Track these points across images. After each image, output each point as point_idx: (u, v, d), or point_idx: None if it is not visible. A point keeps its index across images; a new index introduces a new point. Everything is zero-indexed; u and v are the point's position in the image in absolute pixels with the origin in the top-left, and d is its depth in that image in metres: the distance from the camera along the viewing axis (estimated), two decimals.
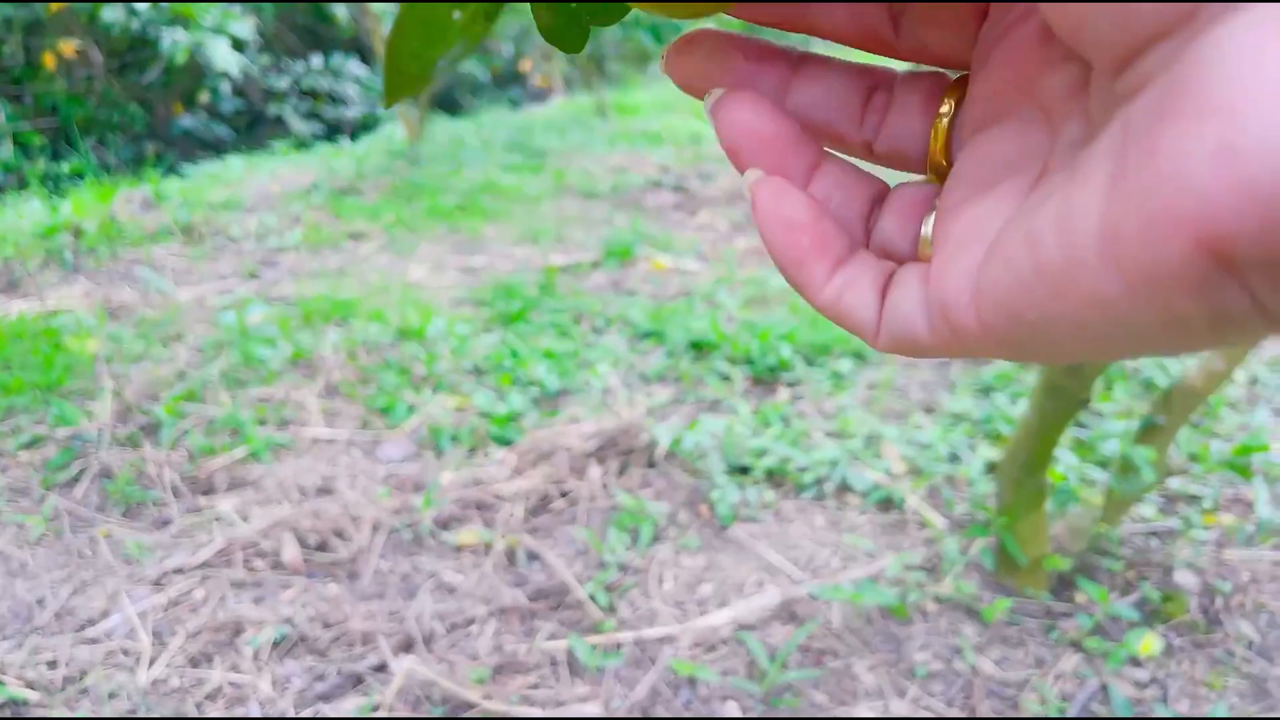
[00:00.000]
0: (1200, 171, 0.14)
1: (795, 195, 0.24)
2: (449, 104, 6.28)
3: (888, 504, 1.45)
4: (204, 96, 5.34)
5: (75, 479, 1.42)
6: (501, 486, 1.42)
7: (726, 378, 1.86)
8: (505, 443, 1.57)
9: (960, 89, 0.25)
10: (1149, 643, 1.18)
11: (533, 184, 3.53)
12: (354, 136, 5.72)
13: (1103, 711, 1.06)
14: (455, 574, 1.25)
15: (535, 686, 1.07)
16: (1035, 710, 1.07)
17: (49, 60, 4.59)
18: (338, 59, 5.98)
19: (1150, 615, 1.23)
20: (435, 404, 1.67)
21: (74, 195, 2.85)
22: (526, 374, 1.81)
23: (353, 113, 5.92)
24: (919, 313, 0.22)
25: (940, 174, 0.25)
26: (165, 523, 1.34)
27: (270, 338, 1.89)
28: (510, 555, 1.29)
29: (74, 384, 1.67)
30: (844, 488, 1.48)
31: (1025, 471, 1.23)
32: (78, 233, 2.49)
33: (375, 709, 1.03)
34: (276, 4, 5.81)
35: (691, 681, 1.09)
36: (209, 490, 1.41)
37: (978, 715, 1.07)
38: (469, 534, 1.32)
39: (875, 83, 0.26)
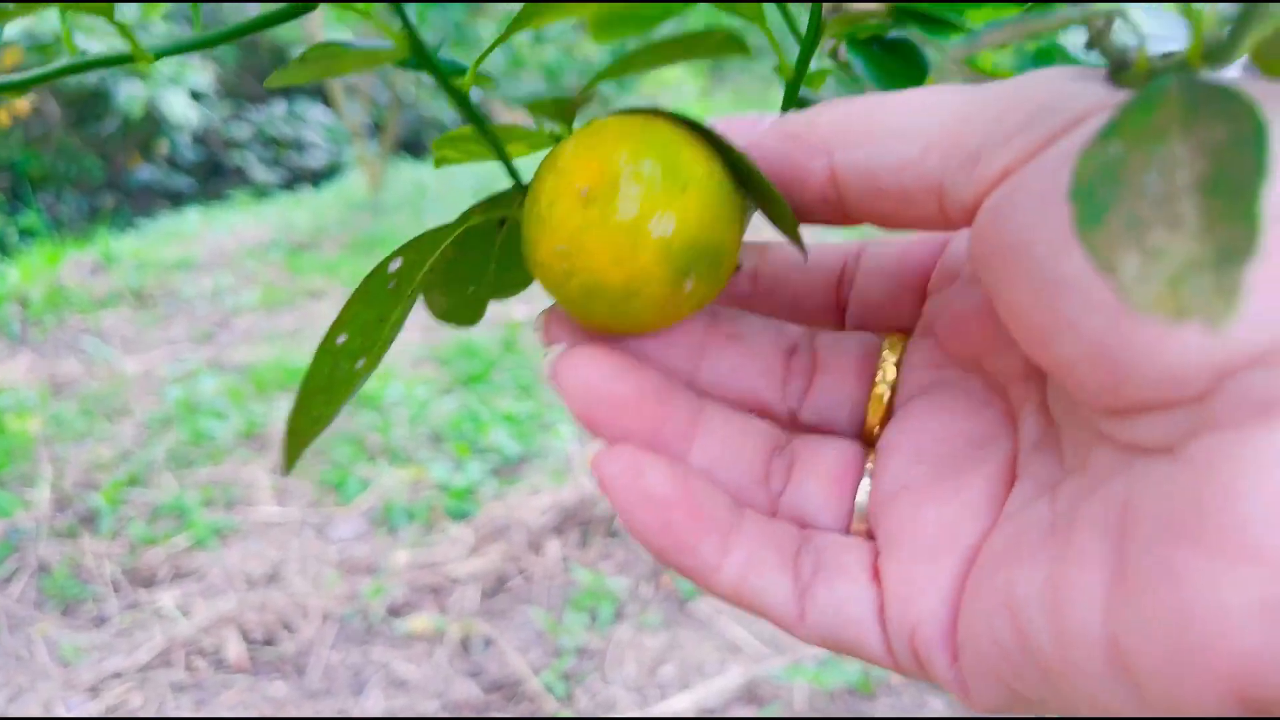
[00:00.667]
0: (1243, 626, 0.13)
1: (655, 463, 0.20)
2: (414, 147, 6.26)
3: None
4: (163, 147, 5.29)
5: (11, 576, 1.37)
6: (456, 567, 1.38)
7: None
8: (462, 516, 1.53)
9: (897, 352, 0.22)
10: None
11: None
12: (316, 183, 5.68)
13: None
14: (406, 664, 1.21)
15: None
16: None
17: (3, 117, 4.54)
18: (301, 104, 5.96)
19: None
20: (390, 477, 1.63)
21: (22, 261, 2.80)
22: (486, 440, 1.77)
23: (316, 160, 5.89)
24: (870, 622, 0.19)
25: (873, 442, 0.22)
26: (104, 620, 1.29)
27: (220, 411, 1.85)
28: (464, 643, 1.25)
29: (13, 469, 1.62)
30: None
31: None
32: (24, 302, 2.44)
33: None
34: (239, 51, 5.79)
35: None
36: (150, 583, 1.37)
37: None
38: (421, 621, 1.28)
39: (793, 341, 0.23)
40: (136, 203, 5.27)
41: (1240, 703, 0.13)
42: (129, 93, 4.30)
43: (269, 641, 1.25)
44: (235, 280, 2.81)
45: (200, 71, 4.90)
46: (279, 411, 1.85)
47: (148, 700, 1.14)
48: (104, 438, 1.76)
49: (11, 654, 1.24)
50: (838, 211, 0.19)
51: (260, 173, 5.70)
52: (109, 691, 1.16)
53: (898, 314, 0.23)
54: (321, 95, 6.44)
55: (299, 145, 5.98)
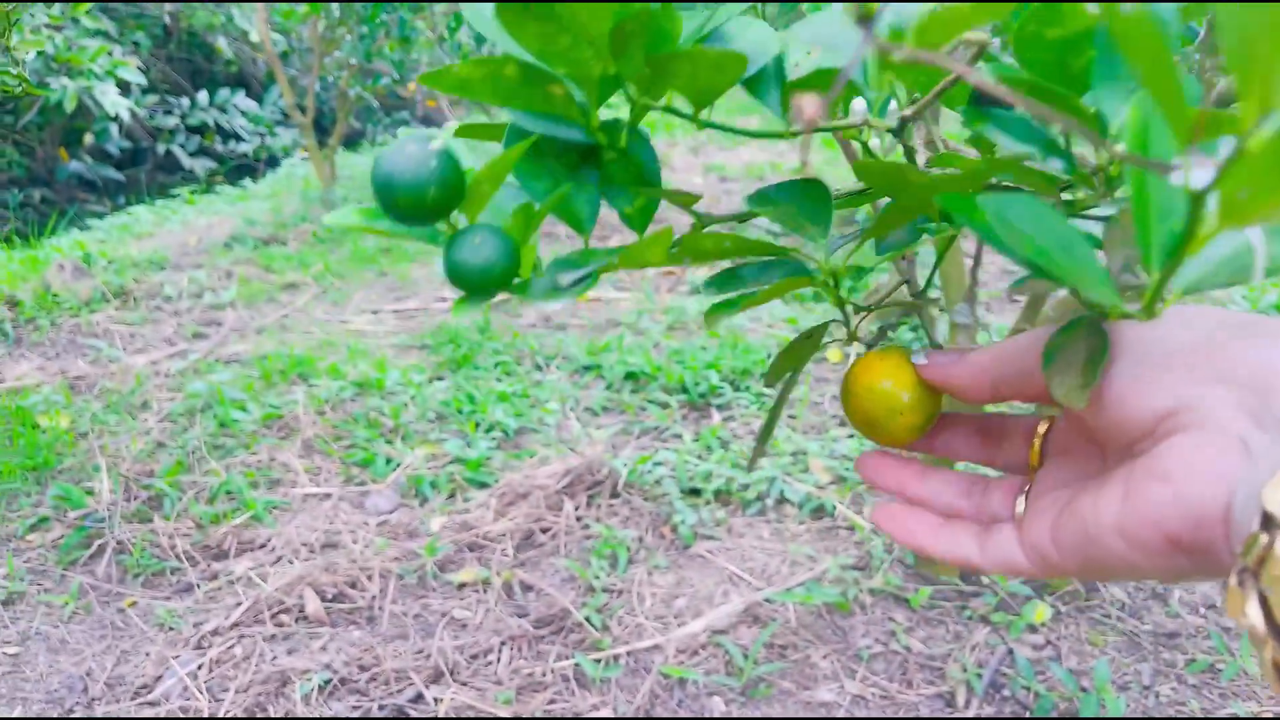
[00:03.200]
0: (1164, 507, 0.33)
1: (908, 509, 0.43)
2: (347, 139, 6.28)
3: (820, 512, 1.69)
4: (89, 139, 5.23)
5: (95, 556, 1.53)
6: (488, 527, 1.60)
7: (665, 405, 2.08)
8: (481, 485, 1.75)
9: (1046, 426, 0.43)
10: (1041, 612, 1.45)
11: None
12: (248, 170, 5.69)
13: (1010, 673, 1.33)
14: (464, 610, 1.43)
15: (553, 701, 1.27)
16: (956, 676, 1.33)
17: None
18: (224, 94, 5.93)
19: (1040, 589, 1.50)
20: (411, 454, 1.83)
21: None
22: (486, 417, 1.98)
23: (245, 147, 5.88)
24: (1017, 552, 0.40)
25: (1030, 473, 0.43)
26: (188, 589, 1.47)
27: (240, 401, 2.01)
28: (508, 589, 1.48)
29: (63, 463, 1.76)
30: (782, 500, 1.72)
31: None
32: (13, 304, 2.52)
33: None
34: (154, 40, 5.72)
35: (681, 683, 1.30)
36: (221, 555, 1.55)
37: (915, 690, 1.32)
38: (468, 573, 1.50)
39: (998, 425, 0.45)
40: (64, 196, 5.21)
41: (1170, 542, 0.31)
42: (61, 85, 4.28)
43: (339, 598, 1.45)
44: (210, 277, 2.92)
45: (129, 66, 4.86)
46: (295, 399, 2.02)
47: (249, 651, 1.33)
48: (134, 431, 1.90)
49: (107, 623, 1.42)
50: (993, 399, 0.41)
51: (187, 160, 5.69)
52: (213, 646, 1.34)
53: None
54: (243, 84, 6.40)
55: (224, 133, 5.96)
